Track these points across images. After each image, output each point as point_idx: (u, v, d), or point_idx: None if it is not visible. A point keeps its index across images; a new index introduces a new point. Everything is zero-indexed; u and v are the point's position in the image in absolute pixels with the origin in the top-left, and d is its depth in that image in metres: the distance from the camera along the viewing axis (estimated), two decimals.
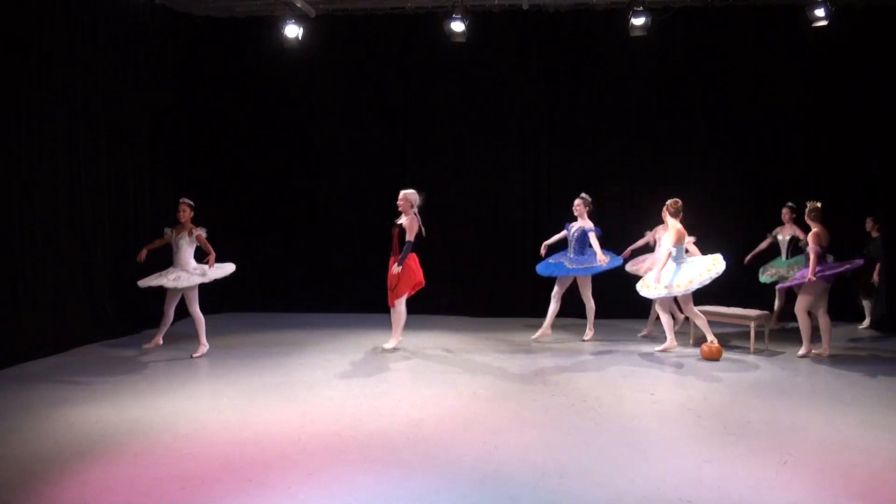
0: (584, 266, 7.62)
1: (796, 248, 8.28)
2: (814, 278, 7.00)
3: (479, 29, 9.10)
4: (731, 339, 8.06)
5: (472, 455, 4.42)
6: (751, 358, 7.22)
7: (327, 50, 9.64)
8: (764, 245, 8.50)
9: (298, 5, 8.90)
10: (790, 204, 8.35)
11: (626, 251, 8.13)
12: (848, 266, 7.33)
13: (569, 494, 3.85)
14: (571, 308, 9.27)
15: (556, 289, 7.85)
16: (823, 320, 7.23)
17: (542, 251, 7.91)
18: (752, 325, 7.41)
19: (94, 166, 7.97)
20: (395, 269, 7.15)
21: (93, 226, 7.80)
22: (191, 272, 7.05)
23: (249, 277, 9.82)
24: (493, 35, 9.49)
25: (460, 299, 9.60)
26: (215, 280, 7.20)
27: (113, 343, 7.72)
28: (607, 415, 5.28)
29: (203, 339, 7.19)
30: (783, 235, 8.39)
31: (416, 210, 7.35)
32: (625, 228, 8.62)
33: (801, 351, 7.27)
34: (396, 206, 7.40)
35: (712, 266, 7.09)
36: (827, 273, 7.09)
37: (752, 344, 7.46)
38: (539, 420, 5.18)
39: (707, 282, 7.01)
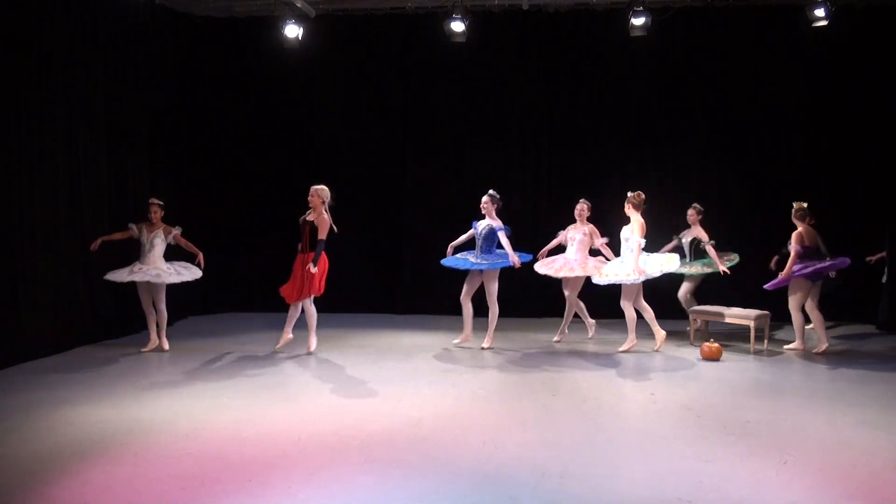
0: (490, 261, 7.38)
1: (698, 249, 8.15)
2: (787, 276, 7.25)
3: (479, 29, 9.10)
4: (731, 339, 8.07)
5: (472, 455, 4.42)
6: (751, 358, 7.23)
7: (327, 50, 9.64)
8: (669, 247, 8.30)
9: (298, 5, 8.90)
10: (696, 205, 8.21)
11: (541, 252, 7.90)
12: (831, 263, 7.40)
13: (569, 494, 3.85)
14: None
15: (465, 289, 7.58)
16: (814, 316, 7.38)
17: (449, 253, 7.66)
18: (752, 325, 7.41)
19: (94, 166, 7.96)
20: (311, 269, 7.00)
21: (93, 226, 7.79)
22: (165, 270, 7.24)
23: (249, 277, 9.85)
24: (493, 35, 9.49)
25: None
26: (206, 281, 7.50)
27: (113, 343, 7.72)
28: (607, 415, 5.29)
29: (164, 335, 7.41)
30: (687, 238, 8.24)
31: (326, 207, 7.27)
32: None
33: (792, 345, 7.55)
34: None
35: (666, 263, 7.29)
36: (807, 271, 7.21)
37: (752, 344, 7.47)
38: (539, 420, 5.18)
39: (657, 274, 7.20)
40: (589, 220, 7.82)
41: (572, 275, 7.62)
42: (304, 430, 4.87)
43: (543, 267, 7.75)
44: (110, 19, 8.14)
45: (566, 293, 7.90)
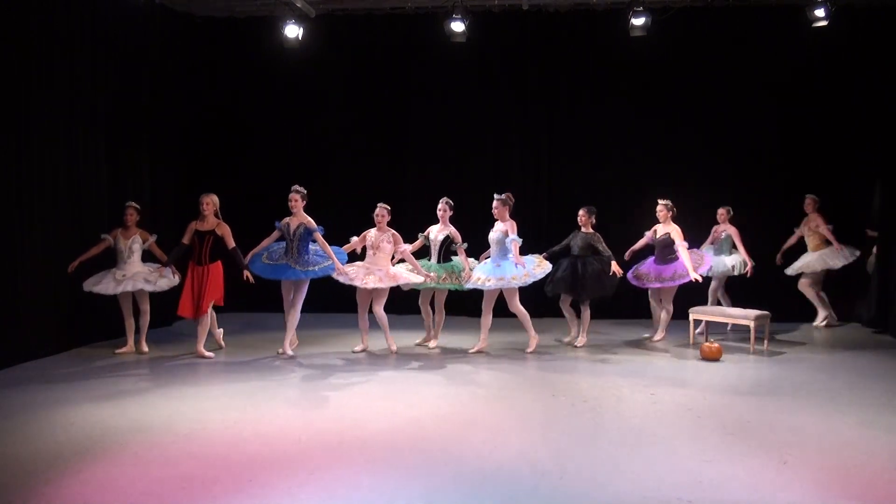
0: (312, 268, 7.03)
1: (448, 250, 7.56)
2: (700, 278, 7.40)
3: (479, 29, 9.10)
4: (732, 339, 8.07)
5: (472, 455, 4.42)
6: (751, 358, 7.23)
7: (327, 50, 9.64)
8: (418, 245, 7.72)
9: (298, 5, 8.90)
10: (448, 200, 7.61)
11: (345, 248, 7.41)
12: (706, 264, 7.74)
13: (569, 494, 3.86)
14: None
15: (294, 300, 7.19)
16: (667, 312, 7.78)
17: (247, 259, 7.18)
18: (752, 325, 7.41)
19: (93, 166, 7.96)
20: (250, 278, 6.98)
21: (93, 225, 7.78)
22: (149, 273, 7.26)
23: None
24: (493, 35, 9.49)
25: (461, 300, 9.61)
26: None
27: (113, 343, 7.71)
28: (607, 415, 5.29)
29: (144, 337, 7.39)
30: (435, 235, 7.59)
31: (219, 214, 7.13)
32: (626, 227, 8.61)
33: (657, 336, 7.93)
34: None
35: (540, 265, 7.28)
36: (702, 273, 7.54)
37: (751, 344, 7.47)
38: (539, 420, 5.19)
39: (540, 276, 7.20)
40: (389, 224, 7.40)
41: (382, 285, 7.14)
42: (305, 430, 4.87)
43: (343, 277, 7.10)
44: (110, 19, 8.14)
45: (374, 307, 7.31)
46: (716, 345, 7.18)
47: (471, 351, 7.44)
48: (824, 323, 8.68)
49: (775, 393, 5.92)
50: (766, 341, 7.57)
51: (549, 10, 9.42)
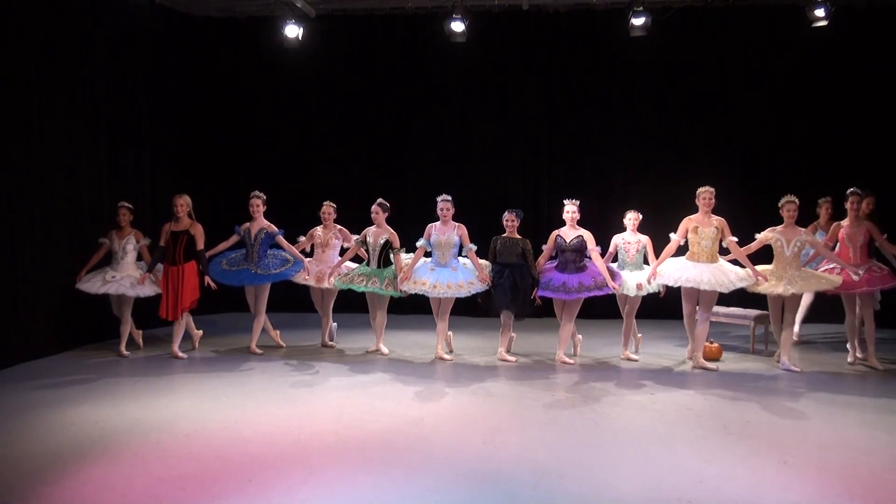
0: (275, 272, 7.15)
1: (388, 256, 7.17)
2: (618, 287, 6.75)
3: (479, 29, 9.11)
4: (732, 339, 8.06)
5: (472, 455, 4.42)
6: (751, 358, 7.23)
7: (327, 50, 9.65)
8: (352, 252, 7.45)
9: (298, 5, 8.92)
10: (382, 202, 7.31)
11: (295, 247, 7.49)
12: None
13: (569, 494, 3.85)
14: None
15: (258, 305, 7.36)
16: (570, 329, 7.00)
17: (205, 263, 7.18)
18: (752, 325, 7.41)
19: (94, 166, 7.98)
20: (212, 285, 7.09)
21: (92, 225, 7.79)
22: (139, 278, 7.22)
23: None
24: (493, 35, 9.51)
25: (461, 300, 9.60)
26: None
27: (113, 343, 7.71)
28: (607, 415, 5.29)
29: (124, 342, 7.30)
30: (374, 238, 7.19)
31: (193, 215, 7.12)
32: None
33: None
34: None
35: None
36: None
37: (752, 344, 7.47)
38: (539, 420, 5.18)
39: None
40: (336, 221, 7.54)
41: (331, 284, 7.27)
42: (304, 430, 4.87)
43: (303, 278, 7.29)
44: (110, 19, 8.15)
45: (322, 301, 7.57)
46: (716, 345, 7.18)
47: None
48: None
49: (775, 393, 5.92)
50: (766, 341, 7.57)
51: (549, 10, 9.44)
